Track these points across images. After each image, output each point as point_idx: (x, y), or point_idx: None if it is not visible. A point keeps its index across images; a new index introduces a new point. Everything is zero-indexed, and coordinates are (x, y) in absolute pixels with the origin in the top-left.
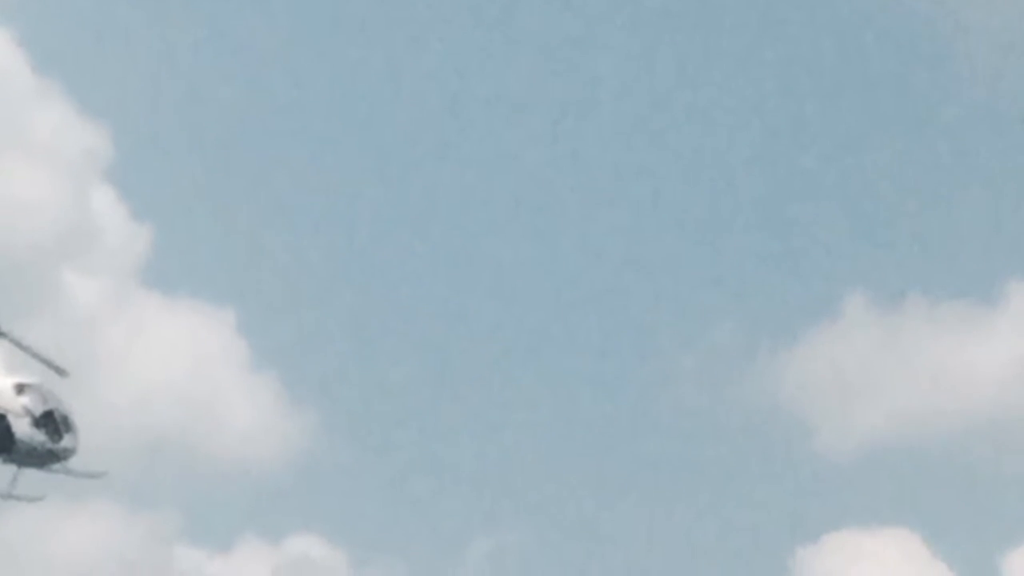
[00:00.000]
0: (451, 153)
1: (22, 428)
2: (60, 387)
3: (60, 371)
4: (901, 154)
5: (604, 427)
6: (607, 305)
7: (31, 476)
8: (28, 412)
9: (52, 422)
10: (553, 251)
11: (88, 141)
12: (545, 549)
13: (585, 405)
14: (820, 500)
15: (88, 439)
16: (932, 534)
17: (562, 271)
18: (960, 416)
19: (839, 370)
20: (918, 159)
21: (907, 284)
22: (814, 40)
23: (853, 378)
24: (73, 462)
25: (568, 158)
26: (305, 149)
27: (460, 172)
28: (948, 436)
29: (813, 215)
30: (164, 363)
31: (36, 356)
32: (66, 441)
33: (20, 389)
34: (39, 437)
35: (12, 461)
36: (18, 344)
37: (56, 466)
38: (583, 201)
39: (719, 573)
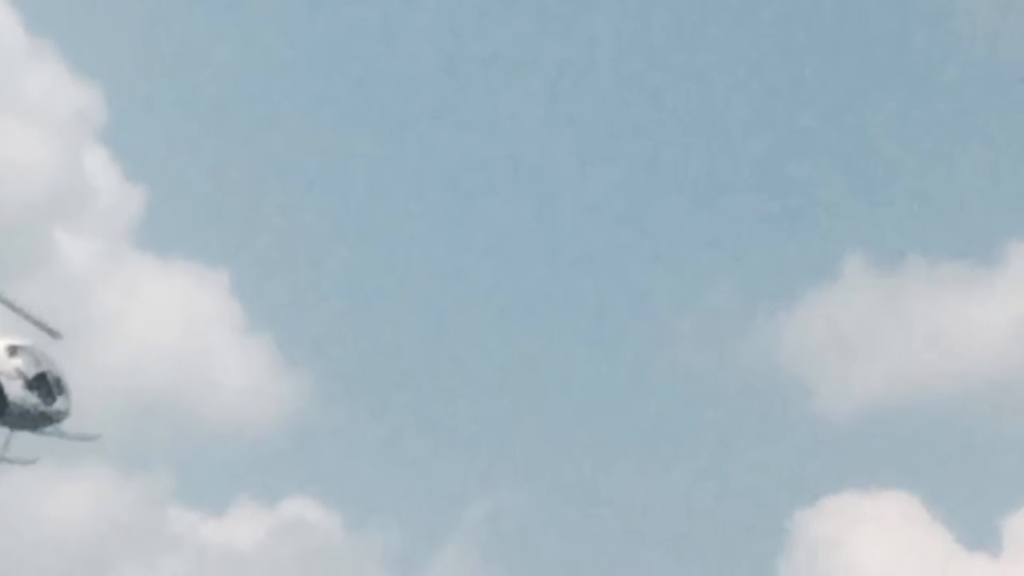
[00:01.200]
0: (447, 113)
1: (15, 390)
2: (53, 349)
3: (53, 333)
4: (901, 113)
5: (601, 388)
6: (604, 266)
7: (24, 439)
8: (21, 374)
9: (45, 384)
10: (550, 211)
11: (81, 101)
12: (542, 511)
13: (582, 366)
14: (819, 462)
15: (81, 401)
16: (932, 496)
17: (559, 232)
18: (960, 377)
19: (838, 331)
20: (918, 118)
21: (907, 245)
22: None
23: (852, 339)
24: (66, 424)
25: (565, 118)
26: (300, 109)
27: (456, 132)
28: (948, 397)
29: (812, 175)
30: (158, 325)
31: (28, 318)
32: (59, 403)
33: (13, 351)
34: (32, 399)
35: (5, 424)
36: (10, 306)
37: (49, 428)
38: (580, 161)
39: (717, 536)
